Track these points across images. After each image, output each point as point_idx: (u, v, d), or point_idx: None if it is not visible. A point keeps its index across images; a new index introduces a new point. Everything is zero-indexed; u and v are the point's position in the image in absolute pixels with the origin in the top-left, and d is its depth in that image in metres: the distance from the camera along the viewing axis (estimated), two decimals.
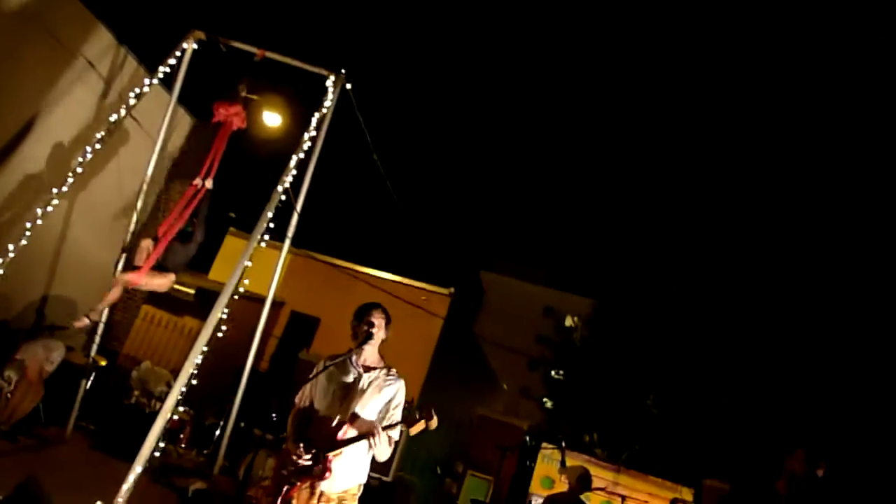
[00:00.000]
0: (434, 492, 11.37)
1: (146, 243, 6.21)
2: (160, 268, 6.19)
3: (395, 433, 3.35)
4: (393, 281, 15.38)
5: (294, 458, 3.27)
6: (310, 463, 3.24)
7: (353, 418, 3.34)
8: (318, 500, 3.27)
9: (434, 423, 3.23)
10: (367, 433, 3.24)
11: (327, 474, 3.24)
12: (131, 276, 6.14)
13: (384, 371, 3.54)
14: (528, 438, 10.70)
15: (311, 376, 3.51)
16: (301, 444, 3.29)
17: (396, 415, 3.44)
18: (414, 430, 3.25)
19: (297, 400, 3.54)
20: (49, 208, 6.29)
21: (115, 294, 6.32)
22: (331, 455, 3.25)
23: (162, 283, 6.24)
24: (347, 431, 3.30)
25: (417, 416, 3.25)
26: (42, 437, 6.97)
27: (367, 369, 3.51)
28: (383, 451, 3.31)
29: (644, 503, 9.19)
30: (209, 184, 6.50)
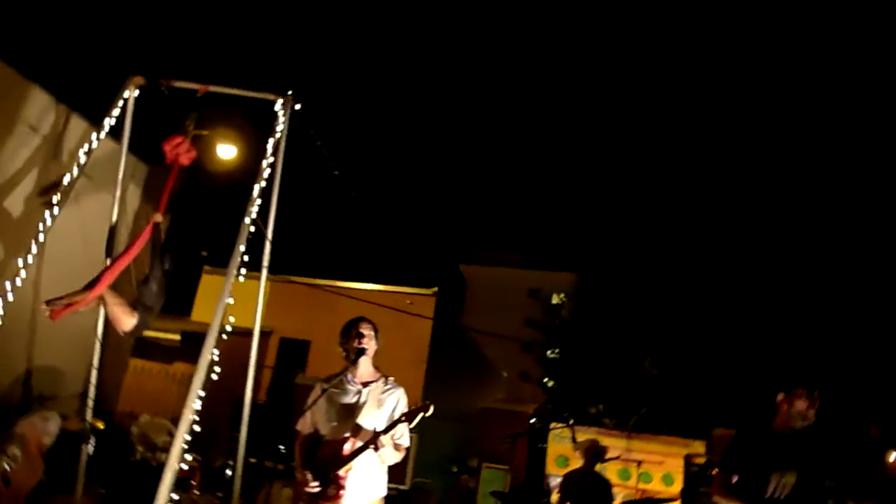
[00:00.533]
0: (452, 491, 11.39)
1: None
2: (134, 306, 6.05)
3: (400, 435, 3.36)
4: (376, 291, 15.36)
5: (305, 486, 3.27)
6: (320, 489, 3.24)
7: (357, 432, 3.35)
8: None
9: (430, 408, 3.25)
10: (368, 441, 3.26)
11: (341, 492, 3.24)
12: (87, 294, 5.93)
13: (381, 381, 3.55)
14: (534, 422, 10.76)
15: (309, 402, 3.51)
16: (308, 472, 3.29)
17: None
18: (414, 423, 3.27)
19: (299, 428, 3.53)
20: (18, 281, 6.17)
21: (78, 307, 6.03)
22: (341, 472, 3.25)
23: (121, 313, 6.01)
24: (353, 446, 3.30)
25: (415, 409, 3.27)
26: None
27: (366, 384, 3.51)
28: (390, 455, 3.32)
29: (660, 464, 9.31)
30: (158, 217, 6.44)
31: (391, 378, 3.58)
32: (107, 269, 6.19)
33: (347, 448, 3.27)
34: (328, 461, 3.28)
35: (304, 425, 3.50)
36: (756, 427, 3.68)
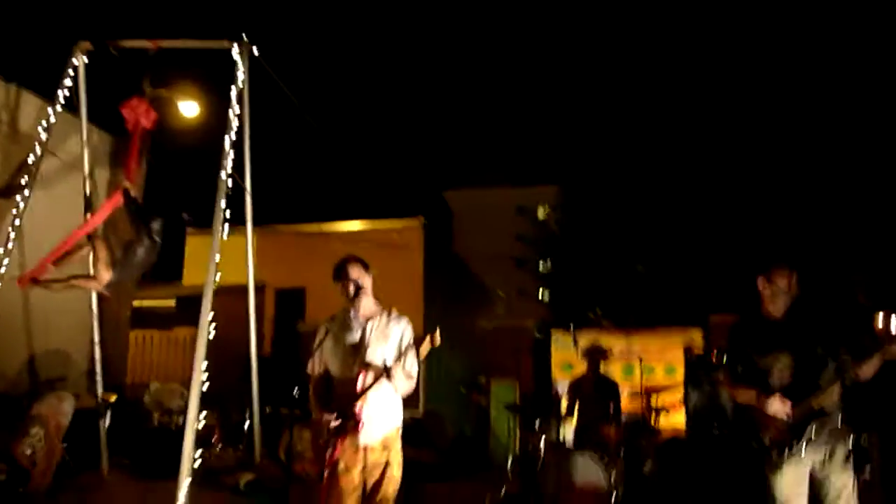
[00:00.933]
0: (465, 411, 11.73)
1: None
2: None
3: (412, 365, 3.42)
4: (362, 229, 15.34)
5: (324, 422, 3.35)
6: (339, 421, 3.32)
7: (367, 367, 3.41)
8: (364, 453, 3.37)
9: (437, 337, 3.30)
10: (380, 374, 3.32)
11: (360, 426, 3.33)
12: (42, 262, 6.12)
13: (385, 314, 3.59)
14: (536, 333, 10.97)
15: (315, 344, 3.55)
16: (325, 410, 3.37)
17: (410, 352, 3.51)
18: (423, 351, 3.33)
19: (310, 370, 3.58)
20: (2, 270, 6.11)
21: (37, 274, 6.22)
22: (356, 406, 3.33)
23: (101, 267, 6.13)
24: (365, 380, 3.37)
25: (422, 338, 3.33)
26: (81, 485, 7.02)
27: (369, 319, 3.55)
28: (403, 384, 3.39)
29: (661, 355, 9.57)
30: (126, 184, 6.40)
31: (394, 310, 3.63)
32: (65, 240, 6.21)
33: (360, 383, 3.34)
34: (343, 398, 3.36)
35: (314, 367, 3.56)
36: (750, 314, 3.73)
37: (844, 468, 3.36)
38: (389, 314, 3.60)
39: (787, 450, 3.39)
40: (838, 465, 3.35)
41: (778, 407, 3.40)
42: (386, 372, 3.29)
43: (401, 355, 3.41)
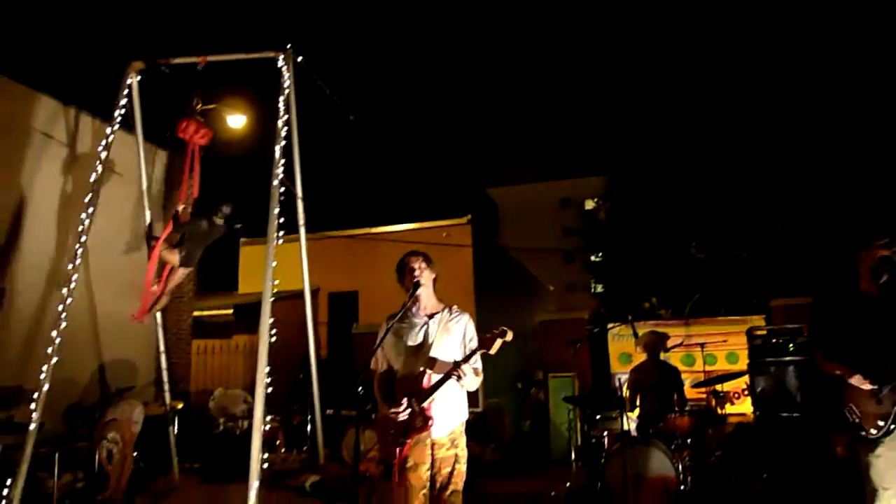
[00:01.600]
0: (524, 405, 11.68)
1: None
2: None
3: (477, 361, 3.41)
4: (411, 230, 15.42)
5: (392, 417, 3.35)
6: (408, 416, 3.32)
7: (433, 364, 3.41)
8: (433, 449, 3.37)
9: (510, 334, 3.27)
10: (449, 372, 3.31)
11: (430, 422, 3.33)
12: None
13: (446, 311, 3.59)
14: (590, 327, 10.83)
15: (378, 340, 3.56)
16: (394, 404, 3.37)
17: (474, 345, 3.49)
18: (494, 349, 3.30)
19: (374, 367, 3.60)
20: (72, 285, 6.34)
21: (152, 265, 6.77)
22: (425, 405, 3.33)
23: (171, 257, 6.73)
24: (431, 378, 3.37)
25: (492, 336, 3.30)
26: (155, 491, 7.24)
27: (431, 315, 3.55)
28: (472, 382, 3.38)
29: (723, 343, 9.34)
30: (179, 207, 6.92)
31: (455, 307, 3.62)
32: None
33: (426, 382, 3.34)
34: (409, 394, 3.36)
35: (378, 363, 3.57)
36: (842, 291, 3.60)
37: None
38: (451, 311, 3.60)
39: (874, 429, 3.28)
40: None
41: (860, 381, 3.30)
42: (455, 368, 3.28)
43: (467, 351, 3.41)
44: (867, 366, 3.34)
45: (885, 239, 3.45)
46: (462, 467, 3.43)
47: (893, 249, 3.41)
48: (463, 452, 3.45)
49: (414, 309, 3.58)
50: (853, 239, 3.63)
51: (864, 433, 3.33)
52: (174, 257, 6.77)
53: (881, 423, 3.27)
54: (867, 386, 3.30)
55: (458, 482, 3.41)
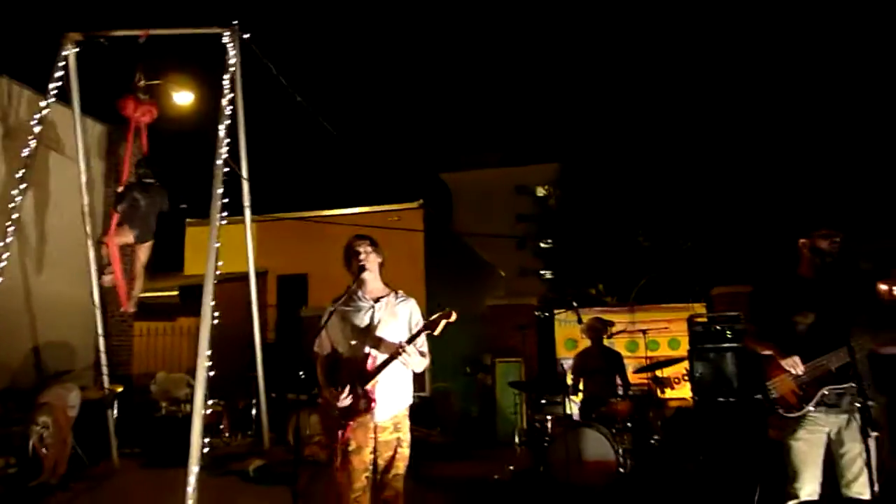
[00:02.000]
0: (471, 390, 11.77)
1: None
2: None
3: (423, 344, 3.41)
4: (362, 213, 15.31)
5: (335, 401, 3.33)
6: (350, 401, 3.31)
7: (378, 346, 3.40)
8: (375, 432, 3.37)
9: (454, 315, 3.28)
10: (393, 354, 3.30)
11: (373, 405, 3.32)
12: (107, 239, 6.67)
13: (392, 295, 3.57)
14: (538, 313, 10.97)
15: (322, 323, 3.53)
16: (337, 387, 3.35)
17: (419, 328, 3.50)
18: (438, 330, 3.30)
19: (317, 349, 3.56)
20: (2, 264, 6.09)
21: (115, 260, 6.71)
22: (369, 387, 3.31)
23: (125, 238, 6.68)
24: (375, 360, 3.35)
25: (437, 317, 3.30)
26: (93, 476, 7.06)
27: (377, 299, 3.54)
28: (417, 363, 3.37)
29: (665, 329, 9.59)
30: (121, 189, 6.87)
31: (401, 291, 3.61)
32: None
33: (371, 365, 3.32)
34: (353, 378, 3.34)
35: (322, 346, 3.54)
36: (781, 274, 3.75)
37: (861, 436, 3.35)
38: (397, 295, 3.59)
39: (794, 409, 3.40)
40: (854, 432, 3.33)
41: (791, 363, 3.41)
42: (401, 350, 3.26)
43: (412, 334, 3.40)
44: (798, 347, 3.46)
45: (826, 230, 3.60)
46: (405, 451, 3.44)
47: (833, 239, 3.54)
48: (406, 437, 3.46)
49: (360, 293, 3.55)
50: (795, 226, 3.78)
51: (782, 411, 3.46)
52: (129, 236, 6.65)
53: (803, 405, 3.40)
54: (799, 370, 3.41)
55: (401, 466, 3.42)
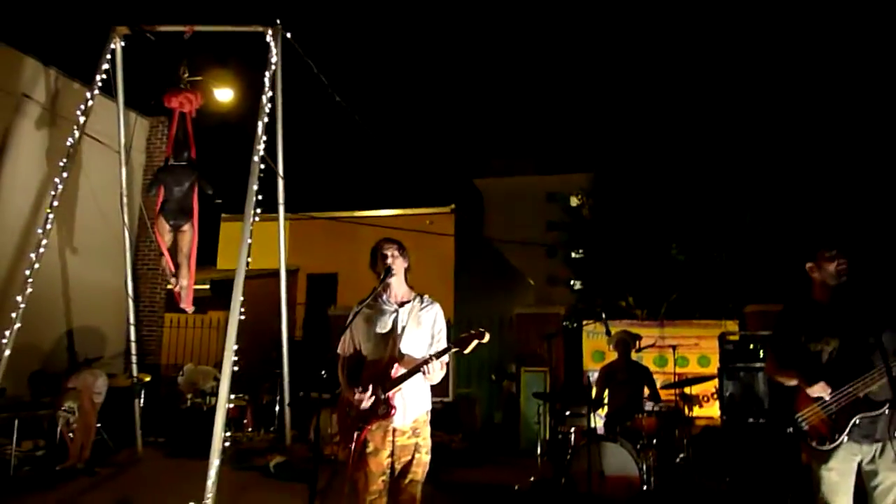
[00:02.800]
0: (495, 397, 11.70)
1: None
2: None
3: (446, 357, 3.38)
4: (394, 216, 15.36)
5: (355, 402, 3.31)
6: (371, 403, 3.29)
7: (402, 354, 3.37)
8: (393, 436, 3.34)
9: (486, 336, 3.24)
10: (419, 365, 3.27)
11: (392, 412, 3.29)
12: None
13: (417, 300, 3.54)
14: (566, 322, 10.87)
15: (347, 323, 3.52)
16: (359, 388, 3.33)
17: (442, 338, 3.45)
18: (468, 350, 3.27)
19: (340, 350, 3.55)
20: (41, 250, 6.23)
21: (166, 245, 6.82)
22: (390, 394, 3.29)
23: (162, 224, 6.75)
24: (399, 369, 3.33)
25: (469, 336, 3.26)
26: (117, 462, 7.17)
27: (402, 304, 3.51)
28: (437, 376, 3.34)
29: (695, 346, 9.42)
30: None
31: (426, 296, 3.58)
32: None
33: (394, 372, 3.30)
34: (375, 381, 3.32)
35: (345, 347, 3.53)
36: (797, 300, 3.62)
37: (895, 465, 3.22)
38: (423, 301, 3.55)
39: (826, 441, 3.28)
40: (889, 461, 3.20)
41: (820, 391, 3.29)
42: (424, 365, 3.23)
43: (434, 341, 3.38)
44: (823, 374, 3.34)
45: (833, 250, 3.44)
46: (423, 457, 3.40)
47: (839, 262, 3.40)
48: (425, 442, 3.42)
49: (385, 296, 3.53)
50: (805, 248, 3.63)
51: (814, 443, 3.33)
52: (163, 222, 6.73)
53: (836, 436, 3.28)
54: (826, 395, 3.29)
55: (419, 472, 3.38)
